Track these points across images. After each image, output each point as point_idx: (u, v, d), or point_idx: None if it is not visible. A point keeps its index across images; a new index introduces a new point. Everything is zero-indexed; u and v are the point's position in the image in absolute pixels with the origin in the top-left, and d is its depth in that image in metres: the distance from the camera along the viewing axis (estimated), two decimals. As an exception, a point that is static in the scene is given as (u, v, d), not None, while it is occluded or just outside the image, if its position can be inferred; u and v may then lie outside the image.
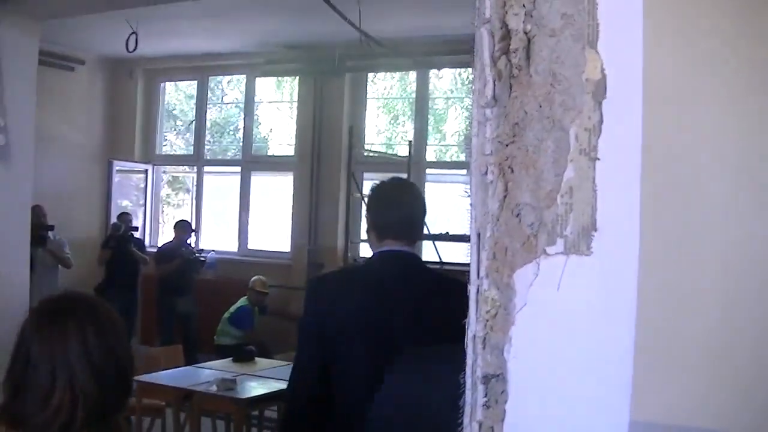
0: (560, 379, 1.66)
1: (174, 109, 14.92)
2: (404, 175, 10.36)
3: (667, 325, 1.65)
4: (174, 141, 15.16)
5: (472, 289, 1.86)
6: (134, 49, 9.91)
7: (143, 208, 13.83)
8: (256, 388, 7.37)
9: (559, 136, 1.69)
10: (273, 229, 13.62)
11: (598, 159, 1.65)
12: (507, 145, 1.80)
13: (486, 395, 1.82)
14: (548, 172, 1.70)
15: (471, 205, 1.88)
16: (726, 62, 1.69)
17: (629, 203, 1.62)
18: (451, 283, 3.29)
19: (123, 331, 2.45)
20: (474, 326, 1.84)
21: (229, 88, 14.64)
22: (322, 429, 3.31)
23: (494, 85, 1.82)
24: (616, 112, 1.63)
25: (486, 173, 1.83)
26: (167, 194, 15.22)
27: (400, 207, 3.27)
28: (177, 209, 15.64)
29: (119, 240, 11.42)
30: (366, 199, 3.41)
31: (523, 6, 1.76)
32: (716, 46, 1.68)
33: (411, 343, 2.98)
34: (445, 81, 12.71)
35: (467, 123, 12.90)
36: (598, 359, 1.63)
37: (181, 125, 15.12)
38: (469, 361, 1.88)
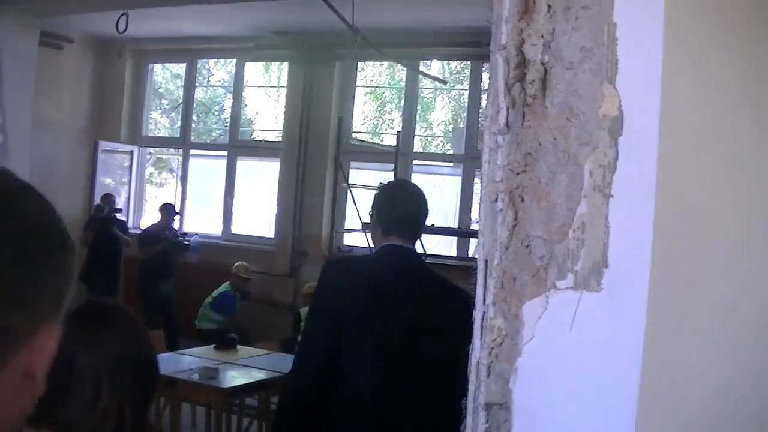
0: (566, 412, 1.67)
1: (160, 88, 14.85)
2: (391, 165, 10.36)
3: (673, 363, 1.66)
4: (159, 119, 15.09)
5: (477, 315, 1.87)
6: (125, 30, 9.83)
7: (127, 186, 13.75)
8: (237, 378, 7.36)
9: (574, 170, 1.69)
10: (257, 214, 13.59)
11: (612, 196, 1.65)
12: (518, 174, 1.80)
13: (487, 422, 1.82)
14: (561, 206, 1.70)
15: (480, 231, 1.88)
16: (742, 102, 1.69)
17: (641, 241, 1.62)
18: (444, 283, 3.62)
19: (148, 335, 2.56)
20: (478, 352, 1.85)
21: (216, 68, 14.57)
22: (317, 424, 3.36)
23: (507, 112, 1.82)
24: (632, 150, 1.63)
25: (496, 200, 1.83)
26: (150, 173, 15.14)
27: (406, 207, 3.54)
28: (160, 188, 15.58)
29: (102, 221, 11.36)
30: (374, 196, 3.56)
31: (542, 37, 1.75)
32: (733, 85, 1.69)
33: (410, 334, 3.32)
34: (434, 70, 12.70)
35: (453, 113, 12.91)
36: (605, 394, 1.64)
37: (167, 104, 15.04)
38: (471, 386, 1.89)
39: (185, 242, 11.72)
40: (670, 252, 1.64)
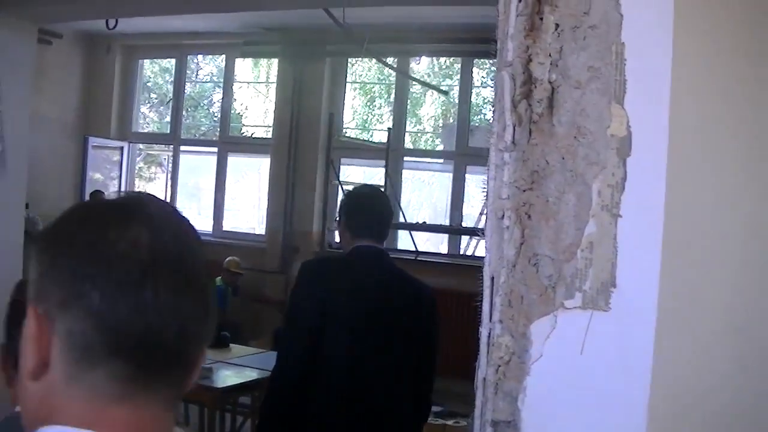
0: (575, 431, 1.68)
1: (149, 82, 14.80)
2: (382, 162, 10.36)
3: (681, 384, 1.67)
4: (148, 114, 15.04)
5: (483, 332, 1.87)
6: (114, 27, 9.79)
7: (116, 182, 13.70)
8: (231, 377, 7.33)
9: (581, 190, 1.69)
10: (248, 210, 13.55)
11: (621, 216, 1.65)
12: (524, 191, 1.80)
13: (495, 439, 1.83)
14: (569, 226, 1.71)
15: (486, 248, 1.88)
16: (750, 121, 1.70)
17: (649, 261, 1.62)
18: (413, 280, 3.84)
19: None
20: (485, 369, 1.85)
21: (204, 62, 14.53)
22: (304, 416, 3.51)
23: (514, 129, 1.82)
24: (641, 170, 1.64)
25: (502, 218, 1.83)
26: (139, 167, 15.09)
27: (373, 212, 3.78)
28: (149, 183, 15.52)
29: (92, 218, 11.30)
30: (340, 203, 3.95)
31: (549, 55, 1.75)
32: (741, 104, 1.69)
33: (384, 326, 3.57)
34: (423, 66, 12.68)
35: (443, 109, 12.89)
36: (614, 413, 1.65)
37: (155, 98, 15.00)
38: (478, 402, 1.89)
39: None
40: (678, 272, 1.64)
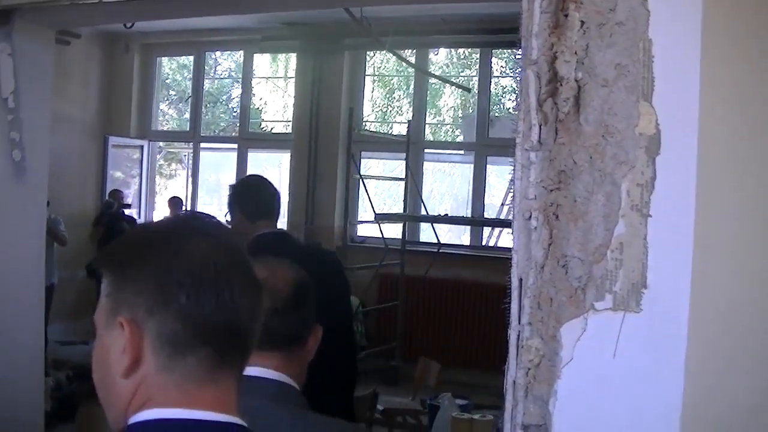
0: (607, 435, 1.65)
1: (167, 79, 14.80)
2: (402, 155, 10.31)
3: (716, 386, 1.64)
4: (167, 111, 15.05)
5: (512, 334, 1.84)
6: (132, 26, 9.81)
7: (137, 179, 13.73)
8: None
9: (610, 189, 1.67)
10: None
11: (650, 216, 1.62)
12: (551, 191, 1.77)
13: (526, 442, 1.80)
14: (598, 226, 1.68)
15: (513, 249, 1.85)
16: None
17: (681, 261, 1.59)
18: (323, 252, 4.27)
19: None
20: (514, 372, 1.83)
21: (223, 58, 14.53)
22: None
23: (540, 128, 1.79)
24: (671, 169, 1.61)
25: (530, 218, 1.81)
26: (160, 164, 15.11)
27: (266, 196, 4.07)
28: (169, 180, 15.55)
29: (111, 217, 11.33)
30: (228, 197, 4.10)
31: (575, 53, 1.72)
32: (771, 100, 1.66)
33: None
34: (441, 57, 12.62)
35: (462, 100, 12.84)
36: (647, 418, 1.62)
37: (174, 95, 15.01)
38: (507, 405, 1.87)
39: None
40: (710, 271, 1.61)
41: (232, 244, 1.29)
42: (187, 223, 1.33)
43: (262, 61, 13.56)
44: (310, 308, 2.12)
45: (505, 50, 10.43)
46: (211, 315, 1.22)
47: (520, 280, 1.83)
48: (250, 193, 4.06)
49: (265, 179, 4.37)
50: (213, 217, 1.34)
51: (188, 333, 1.21)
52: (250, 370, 1.66)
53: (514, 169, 1.87)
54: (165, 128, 14.36)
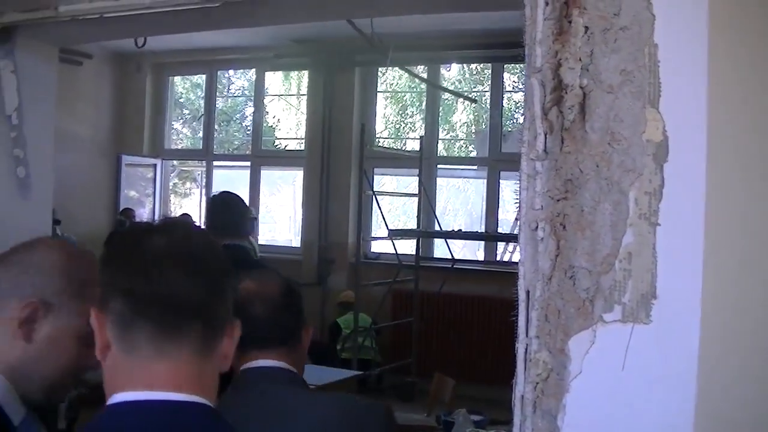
0: (618, 451, 1.61)
1: (181, 98, 14.84)
2: (415, 171, 10.28)
3: (728, 398, 1.59)
4: (181, 130, 15.08)
5: (519, 348, 1.81)
6: (143, 45, 9.83)
7: (151, 198, 13.74)
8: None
9: (618, 198, 1.63)
10: (284, 223, 13.52)
11: (659, 224, 1.58)
12: (558, 201, 1.74)
13: (535, 458, 1.76)
14: (605, 236, 1.64)
15: (520, 261, 1.82)
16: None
17: (691, 271, 1.55)
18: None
19: None
20: (522, 387, 1.79)
21: (236, 77, 14.55)
22: None
23: (545, 137, 1.76)
24: (679, 176, 1.57)
25: (536, 229, 1.77)
26: (174, 183, 15.13)
27: (233, 214, 4.39)
28: (184, 198, 15.57)
29: (124, 236, 11.33)
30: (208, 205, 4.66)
31: (579, 60, 1.69)
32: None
33: None
34: (453, 72, 12.60)
35: (474, 115, 12.81)
36: (659, 430, 1.58)
37: (188, 114, 15.03)
38: (516, 420, 1.83)
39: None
40: (721, 281, 1.57)
41: (186, 237, 1.44)
42: (154, 225, 1.47)
43: (275, 80, 13.58)
44: (299, 309, 2.40)
45: (516, 65, 10.38)
46: (144, 291, 1.34)
47: (527, 292, 1.79)
48: (215, 211, 4.47)
49: (233, 198, 4.70)
50: (188, 220, 1.42)
51: (129, 309, 1.33)
52: (262, 362, 2.23)
53: (520, 180, 1.83)
54: (179, 147, 14.40)
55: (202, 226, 4.33)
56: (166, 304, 1.34)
